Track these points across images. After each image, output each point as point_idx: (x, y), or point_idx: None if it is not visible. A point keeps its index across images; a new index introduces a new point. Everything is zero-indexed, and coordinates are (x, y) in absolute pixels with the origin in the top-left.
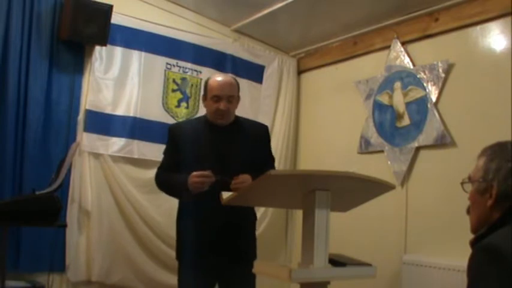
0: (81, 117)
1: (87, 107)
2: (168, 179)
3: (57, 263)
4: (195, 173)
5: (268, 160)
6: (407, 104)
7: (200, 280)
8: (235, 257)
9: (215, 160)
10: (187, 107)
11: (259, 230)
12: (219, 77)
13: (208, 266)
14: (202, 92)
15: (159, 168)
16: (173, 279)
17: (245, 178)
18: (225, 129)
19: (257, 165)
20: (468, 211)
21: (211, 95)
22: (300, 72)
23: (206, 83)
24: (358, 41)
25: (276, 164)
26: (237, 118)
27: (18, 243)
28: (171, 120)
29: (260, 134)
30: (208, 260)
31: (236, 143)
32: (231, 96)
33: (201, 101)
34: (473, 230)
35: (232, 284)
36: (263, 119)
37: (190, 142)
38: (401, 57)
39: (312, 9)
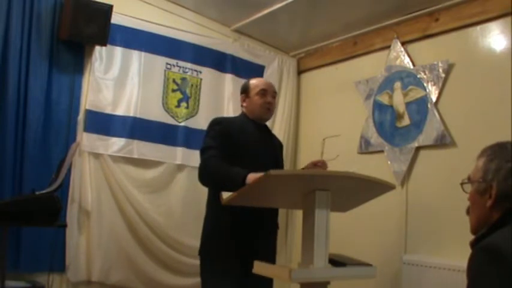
0: (81, 117)
1: (87, 107)
2: (225, 168)
3: (57, 263)
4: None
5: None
6: (407, 104)
7: (227, 279)
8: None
9: (268, 157)
10: (187, 107)
11: None
12: (260, 78)
13: (236, 267)
14: (241, 94)
15: (211, 156)
16: (173, 280)
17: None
18: (266, 129)
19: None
20: (468, 211)
21: (258, 90)
22: (300, 72)
23: (246, 84)
24: (358, 41)
25: None
26: None
27: (18, 243)
28: (171, 120)
29: (280, 146)
30: (237, 260)
31: (275, 143)
32: (275, 92)
33: (201, 102)
34: (473, 231)
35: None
36: None
37: (242, 135)
38: (401, 57)
39: (312, 9)
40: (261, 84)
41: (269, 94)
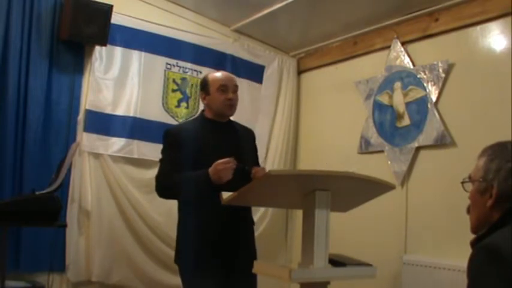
0: (81, 117)
1: (87, 107)
2: (180, 178)
3: (57, 263)
4: (219, 161)
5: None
6: (408, 104)
7: (208, 283)
8: (239, 260)
9: (227, 155)
10: (187, 107)
11: (259, 230)
12: (219, 71)
13: (215, 269)
14: (200, 90)
15: (160, 175)
16: (173, 279)
17: (263, 169)
18: (226, 126)
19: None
20: (468, 210)
21: (218, 86)
22: (300, 72)
23: (205, 79)
24: (358, 41)
25: (276, 164)
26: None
27: (18, 243)
28: (171, 120)
29: (250, 137)
30: (215, 263)
31: (238, 139)
32: (236, 86)
33: (201, 102)
34: (473, 230)
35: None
36: (263, 119)
37: (196, 141)
38: (402, 57)
39: (312, 9)
40: (220, 80)
41: (230, 89)
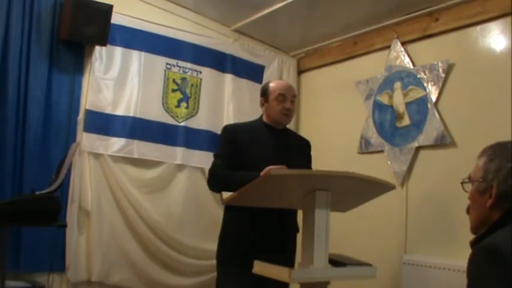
0: (81, 117)
1: (87, 107)
2: (233, 174)
3: (57, 263)
4: (272, 166)
5: None
6: (408, 104)
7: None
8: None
9: (280, 162)
10: (187, 107)
11: None
12: (280, 80)
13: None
14: (260, 96)
15: (216, 166)
16: (173, 279)
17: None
18: (283, 133)
19: None
20: (468, 211)
21: (277, 94)
22: (300, 72)
23: (266, 86)
24: (358, 41)
25: None
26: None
27: (18, 243)
28: (171, 120)
29: (304, 147)
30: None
31: (293, 147)
32: (294, 96)
33: (201, 102)
34: (473, 230)
35: None
36: None
37: (252, 143)
38: (402, 57)
39: (312, 9)
40: (279, 89)
41: (288, 99)
